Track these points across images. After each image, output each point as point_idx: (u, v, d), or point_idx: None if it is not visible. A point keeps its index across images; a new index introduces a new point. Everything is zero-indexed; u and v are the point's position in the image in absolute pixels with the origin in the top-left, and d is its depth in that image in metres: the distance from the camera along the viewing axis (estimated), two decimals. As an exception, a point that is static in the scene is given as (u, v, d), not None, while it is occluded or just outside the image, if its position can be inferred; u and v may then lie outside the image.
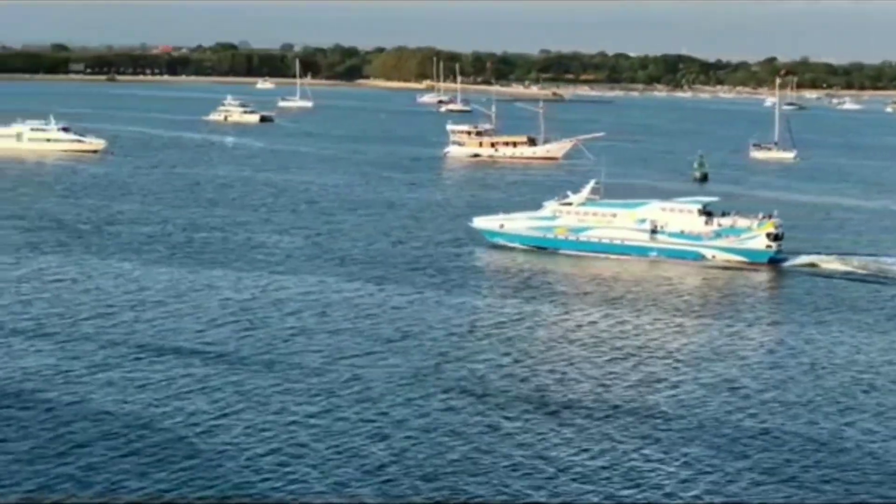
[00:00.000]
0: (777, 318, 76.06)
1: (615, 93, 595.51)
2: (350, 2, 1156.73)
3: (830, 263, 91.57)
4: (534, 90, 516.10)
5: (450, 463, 46.45)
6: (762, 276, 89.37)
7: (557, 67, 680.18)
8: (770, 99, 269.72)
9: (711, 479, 45.98)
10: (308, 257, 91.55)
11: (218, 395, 54.32)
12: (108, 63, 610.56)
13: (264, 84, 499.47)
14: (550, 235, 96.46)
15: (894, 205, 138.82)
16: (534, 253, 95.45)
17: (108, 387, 54.97)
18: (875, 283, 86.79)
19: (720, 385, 59.12)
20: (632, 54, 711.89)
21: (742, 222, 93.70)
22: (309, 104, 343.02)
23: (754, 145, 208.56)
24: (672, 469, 46.80)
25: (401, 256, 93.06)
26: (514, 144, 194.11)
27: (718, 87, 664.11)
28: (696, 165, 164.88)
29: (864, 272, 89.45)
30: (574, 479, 45.24)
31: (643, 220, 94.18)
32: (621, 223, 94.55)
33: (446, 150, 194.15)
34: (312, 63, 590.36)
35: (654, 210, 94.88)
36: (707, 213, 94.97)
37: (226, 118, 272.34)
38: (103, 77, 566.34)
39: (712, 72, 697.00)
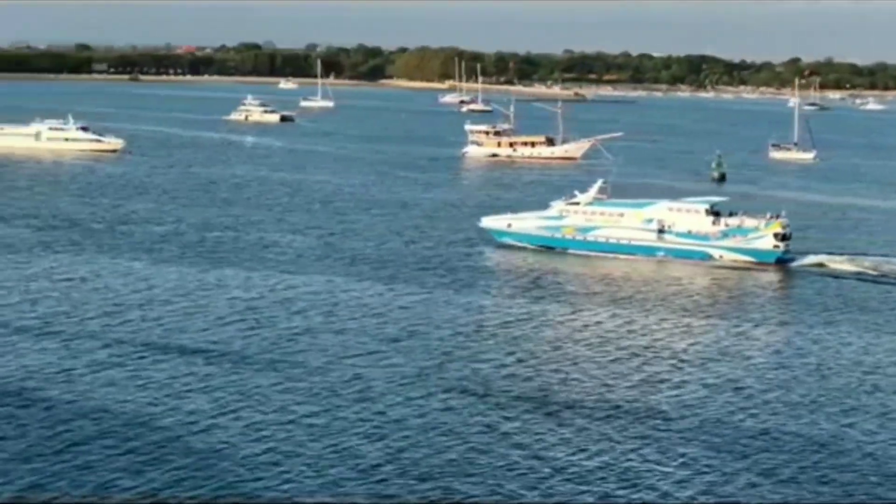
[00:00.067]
0: (784, 318, 75.79)
1: (638, 93, 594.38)
2: (375, 2, 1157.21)
3: (839, 263, 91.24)
4: (556, 90, 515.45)
5: (445, 463, 46.36)
6: (770, 277, 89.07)
7: (581, 68, 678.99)
8: (793, 99, 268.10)
9: (708, 479, 45.82)
10: (319, 257, 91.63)
11: (218, 393, 54.36)
12: (131, 63, 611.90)
13: (287, 84, 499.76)
14: (558, 235, 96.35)
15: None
16: (541, 252, 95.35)
17: (109, 385, 55.07)
18: (886, 284, 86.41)
19: (724, 385, 58.93)
20: (655, 54, 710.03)
21: (749, 222, 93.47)
22: (330, 104, 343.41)
23: (773, 146, 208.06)
24: (669, 469, 46.64)
25: (411, 256, 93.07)
26: (533, 144, 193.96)
27: (742, 87, 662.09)
28: (713, 166, 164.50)
29: (874, 273, 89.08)
30: (569, 480, 45.12)
31: (650, 220, 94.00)
32: (628, 223, 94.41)
33: (464, 150, 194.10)
34: (335, 63, 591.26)
35: (661, 210, 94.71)
36: (714, 212, 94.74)
37: (246, 118, 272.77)
38: (126, 77, 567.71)
39: (736, 72, 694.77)
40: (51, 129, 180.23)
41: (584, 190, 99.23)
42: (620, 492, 44.28)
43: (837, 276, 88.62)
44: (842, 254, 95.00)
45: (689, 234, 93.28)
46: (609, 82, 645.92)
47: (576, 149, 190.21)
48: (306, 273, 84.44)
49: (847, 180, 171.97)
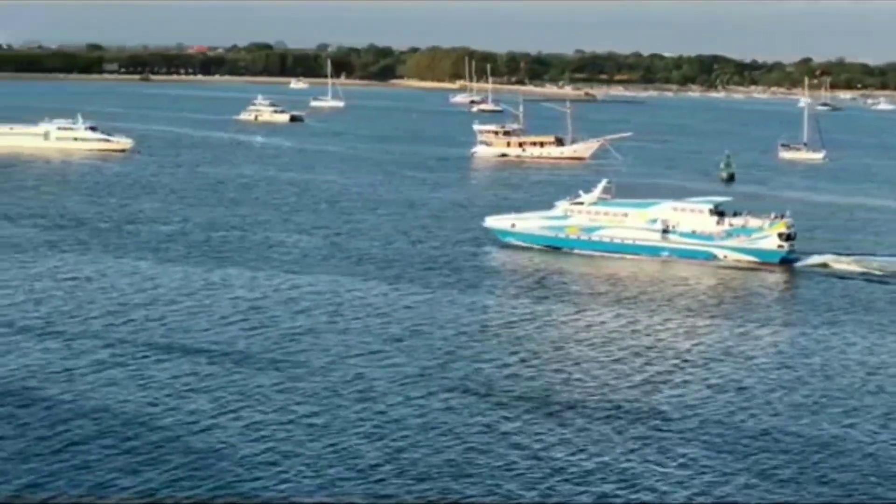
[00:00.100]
0: (788, 318, 75.62)
1: (649, 93, 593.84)
2: (386, 2, 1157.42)
3: (843, 264, 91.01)
4: (567, 90, 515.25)
5: (444, 463, 46.30)
6: (774, 277, 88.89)
7: (592, 68, 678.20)
8: (804, 100, 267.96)
9: (706, 479, 45.70)
10: (324, 257, 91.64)
11: (219, 393, 54.36)
12: (142, 63, 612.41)
13: (297, 84, 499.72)
14: (562, 235, 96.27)
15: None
16: (545, 252, 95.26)
17: (110, 385, 55.09)
18: (891, 284, 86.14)
19: (726, 386, 58.81)
20: (666, 54, 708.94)
21: (753, 222, 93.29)
22: (340, 104, 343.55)
23: (783, 146, 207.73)
24: (668, 469, 46.53)
25: (417, 256, 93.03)
26: (542, 144, 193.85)
27: (752, 87, 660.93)
28: (722, 166, 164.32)
29: (879, 273, 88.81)
30: (567, 480, 45.04)
31: (654, 220, 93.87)
32: (633, 223, 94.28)
33: (474, 149, 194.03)
34: (346, 63, 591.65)
35: (665, 210, 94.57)
36: (719, 212, 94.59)
37: (256, 118, 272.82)
38: (137, 77, 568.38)
39: (747, 72, 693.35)
40: (59, 128, 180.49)
41: (590, 190, 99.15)
42: (620, 492, 44.19)
43: (842, 276, 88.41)
44: (848, 254, 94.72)
45: (693, 234, 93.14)
46: (620, 82, 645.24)
47: (585, 149, 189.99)
48: (311, 273, 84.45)
49: (857, 180, 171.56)
